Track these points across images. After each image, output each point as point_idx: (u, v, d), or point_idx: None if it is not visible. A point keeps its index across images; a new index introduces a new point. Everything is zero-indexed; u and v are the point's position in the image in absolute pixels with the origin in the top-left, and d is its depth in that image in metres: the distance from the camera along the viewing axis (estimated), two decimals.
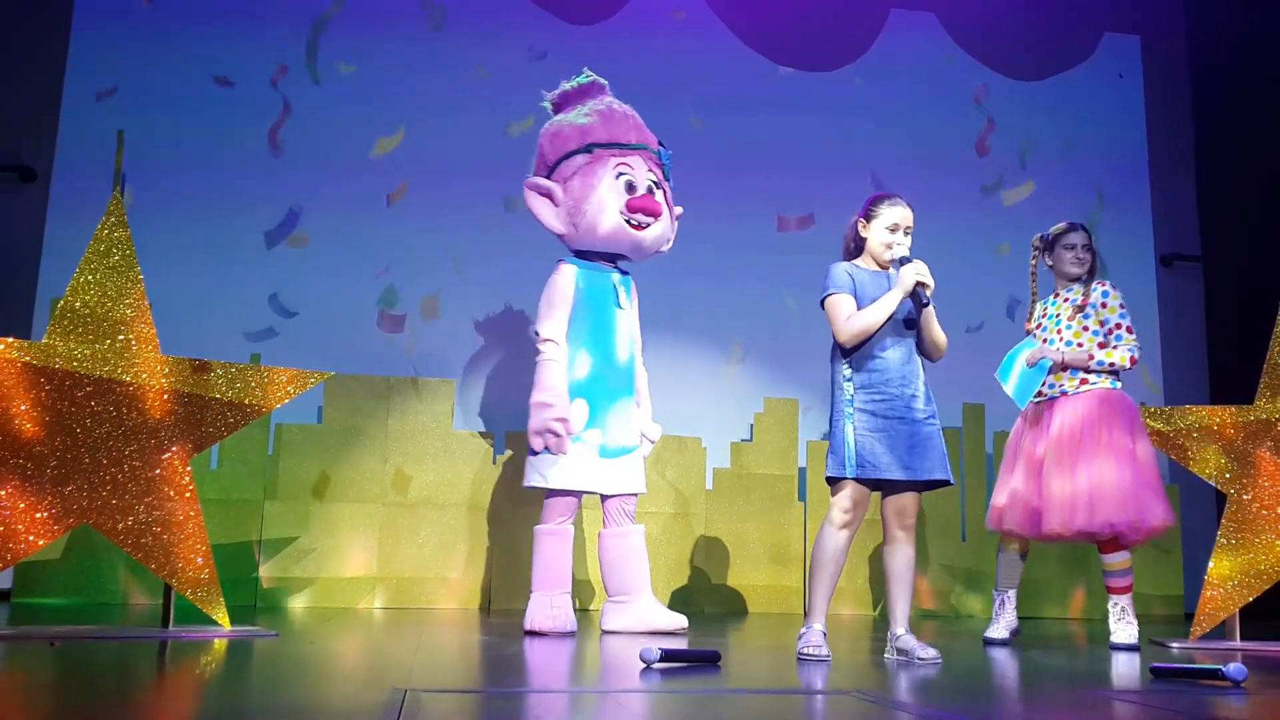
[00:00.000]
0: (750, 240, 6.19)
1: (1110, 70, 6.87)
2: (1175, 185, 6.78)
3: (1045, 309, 4.28)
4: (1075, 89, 6.78)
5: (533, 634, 3.90)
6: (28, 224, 5.51)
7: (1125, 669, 3.33)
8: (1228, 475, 4.10)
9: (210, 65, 5.85)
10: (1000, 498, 4.18)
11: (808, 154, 6.33)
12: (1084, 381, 4.10)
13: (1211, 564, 4.04)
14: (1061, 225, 4.30)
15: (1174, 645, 3.97)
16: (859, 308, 3.36)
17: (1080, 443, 4.01)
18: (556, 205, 4.20)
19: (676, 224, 4.45)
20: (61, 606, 4.69)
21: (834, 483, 3.33)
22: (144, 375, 3.56)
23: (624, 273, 4.35)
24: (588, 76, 4.40)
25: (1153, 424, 4.18)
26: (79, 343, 3.49)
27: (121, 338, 3.55)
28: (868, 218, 3.46)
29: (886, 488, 3.34)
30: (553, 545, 4.06)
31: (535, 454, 4.08)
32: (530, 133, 5.79)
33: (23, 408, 3.39)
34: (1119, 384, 4.13)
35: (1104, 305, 4.16)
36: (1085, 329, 4.14)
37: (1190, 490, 5.89)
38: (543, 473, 4.06)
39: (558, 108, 4.41)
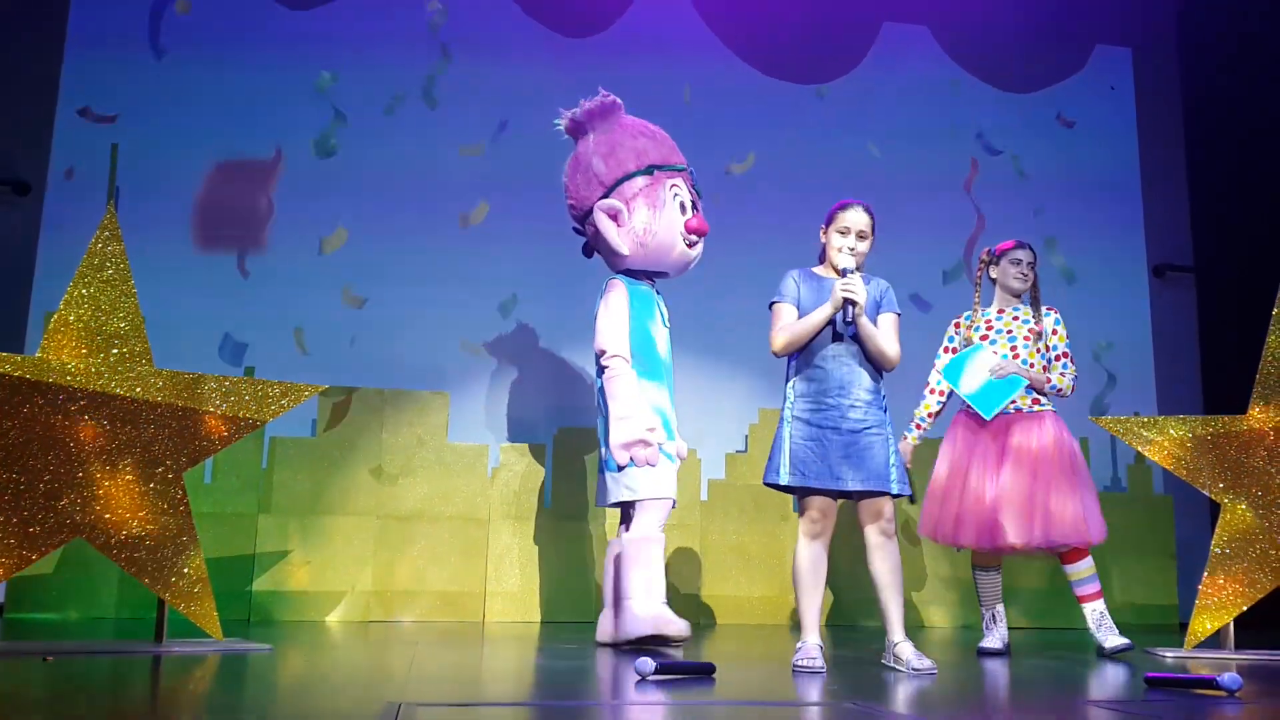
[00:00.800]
0: (743, 250, 6.20)
1: (1102, 82, 6.90)
2: (1167, 196, 6.81)
3: (989, 320, 4.30)
4: (1067, 101, 6.81)
5: (656, 639, 3.92)
6: (21, 237, 5.51)
7: (1119, 678, 3.34)
8: (1221, 485, 4.11)
9: (212, 85, 5.85)
10: (949, 509, 4.16)
11: (799, 164, 6.34)
12: (1036, 402, 4.18)
13: (1206, 573, 4.05)
14: (1010, 242, 4.36)
15: (1168, 654, 3.97)
16: (801, 315, 3.40)
17: (1038, 462, 4.07)
18: (620, 226, 4.27)
19: None
20: (54, 621, 4.67)
21: (785, 491, 3.39)
22: (138, 389, 3.56)
23: (657, 291, 4.43)
24: (605, 96, 4.42)
25: (1146, 434, 4.19)
26: (73, 356, 3.49)
27: (115, 351, 3.55)
28: (826, 224, 3.52)
29: (854, 495, 3.34)
30: (658, 553, 4.07)
31: (619, 469, 4.07)
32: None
33: (15, 422, 3.38)
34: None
35: (1054, 333, 4.26)
36: (1038, 352, 4.22)
37: (1184, 500, 5.90)
38: (631, 485, 4.06)
39: (578, 125, 4.43)
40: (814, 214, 5.94)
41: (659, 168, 4.32)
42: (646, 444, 4.03)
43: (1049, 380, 4.17)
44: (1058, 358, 4.23)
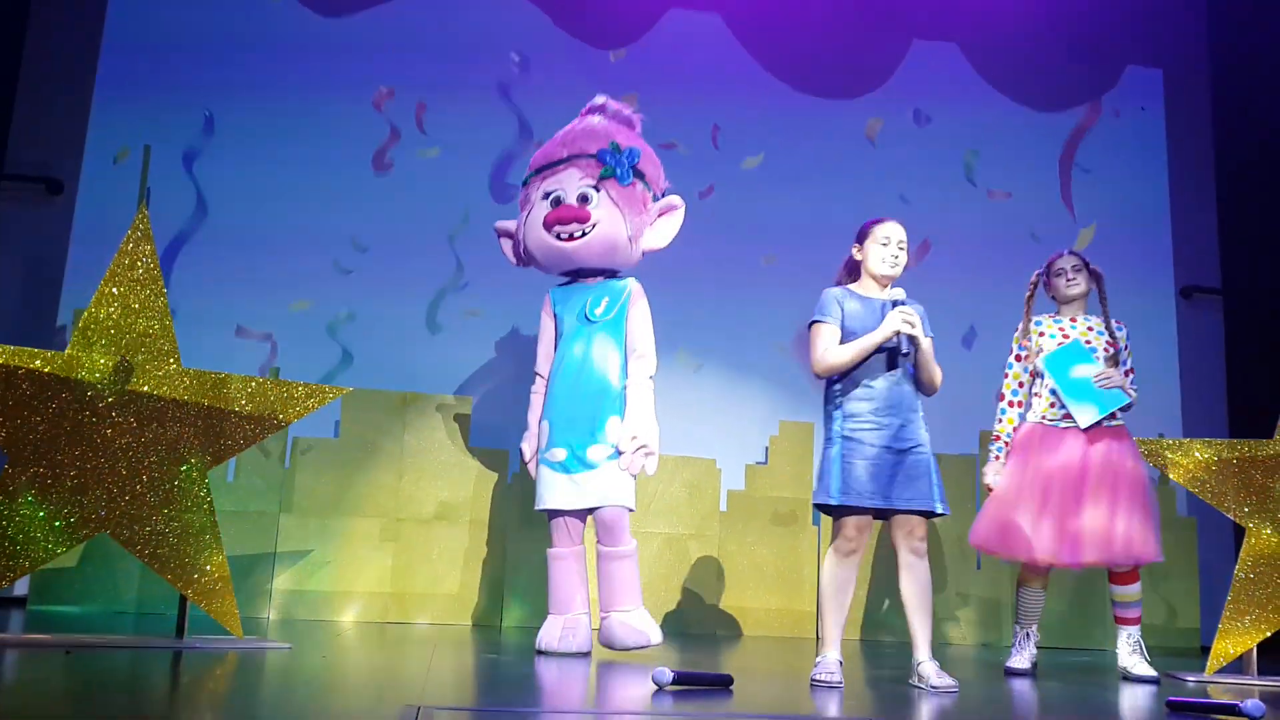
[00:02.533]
0: (767, 264, 6.20)
1: (1132, 103, 6.87)
2: (1196, 217, 6.76)
3: (1063, 329, 4.20)
4: (1097, 121, 6.78)
5: (540, 653, 3.91)
6: (53, 235, 5.56)
7: (1141, 703, 3.31)
8: (1246, 509, 4.07)
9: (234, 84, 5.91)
10: (1023, 521, 3.99)
11: (826, 176, 6.34)
12: (1113, 416, 4.09)
13: (1229, 598, 4.01)
14: (1055, 254, 4.34)
15: (1190, 679, 3.93)
16: (845, 336, 3.38)
17: (1119, 479, 3.97)
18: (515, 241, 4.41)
19: (667, 218, 4.33)
20: (77, 615, 4.71)
21: (827, 510, 3.34)
22: (165, 388, 3.59)
23: (619, 277, 4.30)
24: (598, 99, 4.42)
25: (1171, 456, 4.16)
26: (101, 354, 3.52)
27: (144, 350, 3.58)
28: (861, 241, 3.51)
29: (889, 514, 3.33)
30: (557, 570, 4.09)
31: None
32: None
33: (44, 417, 3.42)
34: None
35: (1125, 348, 4.20)
36: (1113, 365, 4.15)
37: (1208, 523, 5.85)
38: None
39: None
40: (837, 229, 5.95)
41: (534, 173, 4.34)
42: (524, 459, 4.25)
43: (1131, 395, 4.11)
44: (1126, 373, 4.17)
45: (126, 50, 5.81)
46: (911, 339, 3.30)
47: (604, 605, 4.09)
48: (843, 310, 3.43)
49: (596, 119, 4.38)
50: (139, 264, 3.64)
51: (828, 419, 3.42)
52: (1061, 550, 3.95)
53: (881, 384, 3.35)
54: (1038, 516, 3.98)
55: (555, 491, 4.08)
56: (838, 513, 3.32)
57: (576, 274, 4.32)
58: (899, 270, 3.45)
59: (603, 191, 4.22)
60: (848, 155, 6.44)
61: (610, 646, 4.01)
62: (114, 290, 3.58)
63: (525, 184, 4.36)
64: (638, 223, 4.25)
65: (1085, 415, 4.04)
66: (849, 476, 3.27)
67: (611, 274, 4.32)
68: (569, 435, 4.09)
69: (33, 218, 5.62)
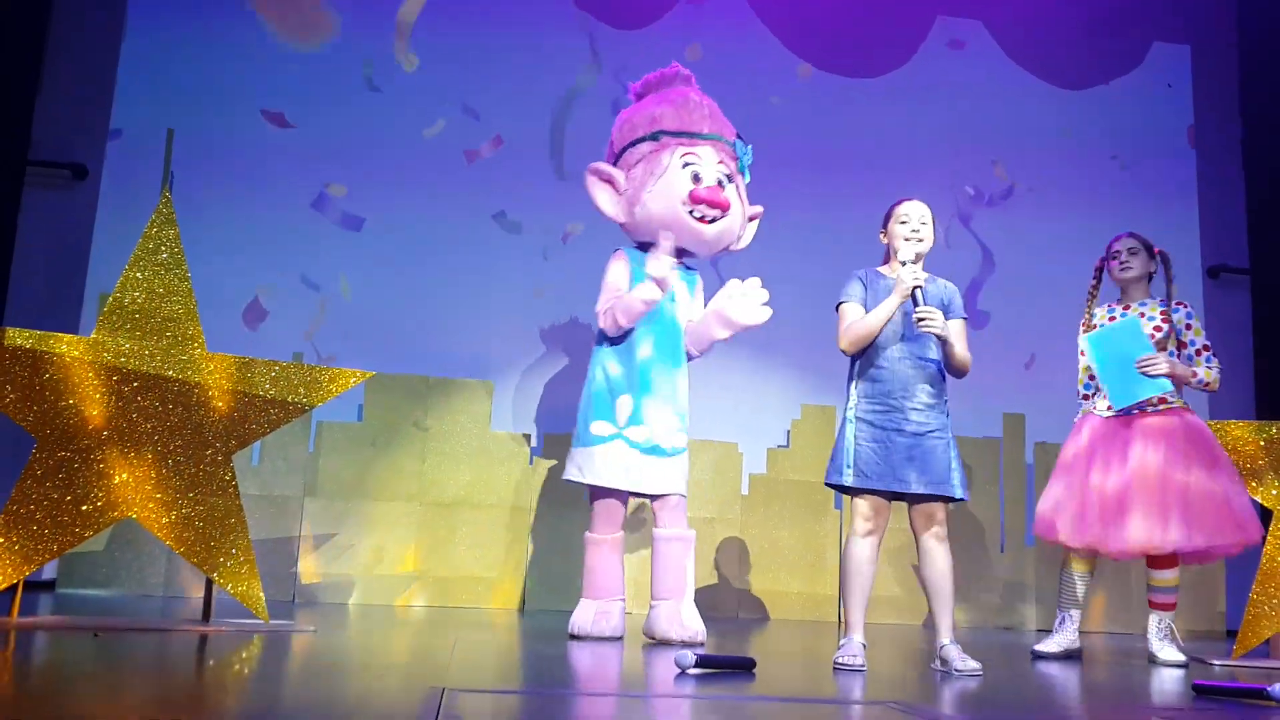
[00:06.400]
0: (792, 246, 6.17)
1: (1159, 79, 6.79)
2: (1223, 196, 6.69)
3: (1114, 317, 4.18)
4: (1123, 98, 6.70)
5: (574, 637, 3.84)
6: (78, 221, 5.60)
7: (1167, 686, 3.29)
8: (1275, 491, 4.03)
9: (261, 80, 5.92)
10: (1067, 509, 4.01)
11: (848, 160, 6.29)
12: (1163, 401, 4.02)
13: (1256, 581, 3.98)
14: (1112, 238, 4.31)
15: (1216, 663, 3.91)
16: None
17: (1171, 449, 3.92)
18: (619, 193, 4.10)
19: (754, 223, 4.33)
20: (104, 597, 4.76)
21: (843, 491, 3.36)
22: (190, 372, 3.61)
23: (688, 268, 4.22)
24: (671, 66, 4.30)
25: None
26: (127, 338, 3.55)
27: (169, 334, 3.60)
28: (885, 224, 3.51)
29: (908, 497, 3.32)
30: (596, 554, 3.96)
31: (573, 448, 4.00)
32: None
33: (70, 402, 3.45)
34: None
35: (1188, 328, 4.11)
36: (1164, 349, 4.07)
37: None
38: (579, 465, 3.94)
39: (640, 97, 4.32)
40: (862, 208, 5.88)
41: (669, 133, 4.07)
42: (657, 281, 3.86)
43: (1195, 374, 4.02)
44: (1198, 351, 4.08)
45: (149, 35, 5.82)
46: (920, 289, 3.28)
47: (658, 593, 3.96)
48: (865, 290, 3.43)
49: (703, 96, 4.24)
50: (163, 248, 3.66)
51: (846, 399, 3.44)
52: (1111, 538, 3.92)
53: (893, 366, 3.35)
54: (1082, 501, 3.98)
55: (631, 472, 3.90)
56: (853, 494, 3.33)
57: (650, 245, 4.12)
58: (924, 248, 3.41)
59: (733, 182, 4.14)
60: (869, 136, 6.38)
61: (656, 637, 3.87)
62: (138, 275, 3.61)
63: (655, 138, 4.08)
64: (743, 221, 4.23)
65: (1119, 397, 3.98)
66: (858, 458, 3.29)
67: (686, 256, 4.20)
68: (655, 416, 3.95)
69: (58, 203, 5.65)
